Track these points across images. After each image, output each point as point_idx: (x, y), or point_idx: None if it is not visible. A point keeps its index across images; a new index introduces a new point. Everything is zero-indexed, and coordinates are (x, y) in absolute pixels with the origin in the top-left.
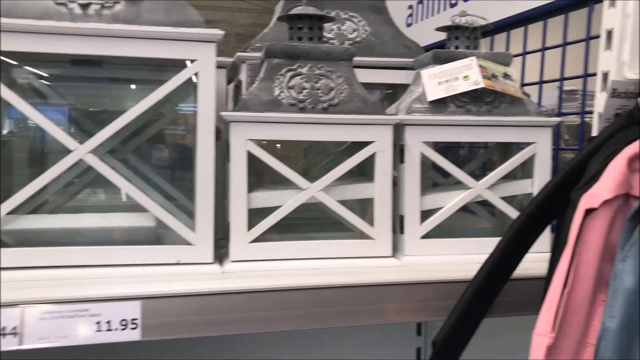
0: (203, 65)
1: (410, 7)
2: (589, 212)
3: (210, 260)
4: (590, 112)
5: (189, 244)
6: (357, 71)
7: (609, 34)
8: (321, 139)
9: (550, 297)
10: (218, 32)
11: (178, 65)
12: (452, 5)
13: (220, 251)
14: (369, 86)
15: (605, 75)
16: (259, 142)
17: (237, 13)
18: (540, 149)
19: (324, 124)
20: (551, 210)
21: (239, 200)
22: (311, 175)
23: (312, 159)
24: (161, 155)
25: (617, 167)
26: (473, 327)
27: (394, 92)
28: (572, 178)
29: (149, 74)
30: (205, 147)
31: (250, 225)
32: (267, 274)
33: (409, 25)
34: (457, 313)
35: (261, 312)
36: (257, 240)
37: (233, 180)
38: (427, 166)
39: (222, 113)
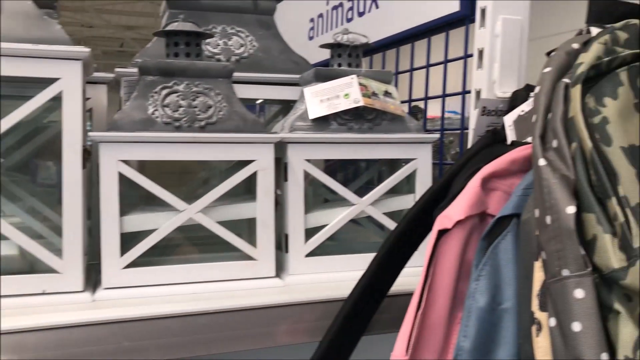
0: (67, 84)
1: (312, 20)
2: (442, 232)
3: (79, 289)
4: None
5: (56, 271)
6: (245, 87)
7: (480, 53)
8: (198, 158)
9: (406, 318)
10: (83, 50)
11: (47, 82)
12: (349, 20)
13: (97, 277)
14: (254, 102)
15: (479, 93)
16: (134, 162)
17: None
18: (421, 164)
19: (202, 143)
20: (421, 227)
21: (110, 224)
22: (198, 193)
23: (200, 176)
24: (36, 175)
25: (471, 187)
26: (350, 346)
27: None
28: (438, 196)
29: (19, 90)
30: (72, 168)
31: (126, 250)
32: (140, 301)
33: (310, 38)
34: (332, 332)
35: (129, 342)
36: (132, 265)
37: (104, 203)
38: (318, 183)
39: (90, 133)
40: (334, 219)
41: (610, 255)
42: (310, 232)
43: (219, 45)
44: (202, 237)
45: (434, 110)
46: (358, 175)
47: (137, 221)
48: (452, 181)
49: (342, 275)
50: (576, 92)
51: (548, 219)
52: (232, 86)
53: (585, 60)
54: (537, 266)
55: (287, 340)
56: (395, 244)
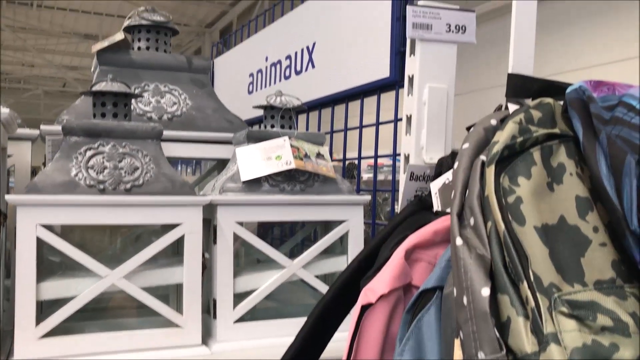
0: None
1: (251, 75)
2: (366, 307)
3: None
4: None
5: None
6: (178, 146)
7: (409, 119)
8: (124, 222)
9: None
10: (3, 111)
11: None
12: (287, 77)
13: (11, 346)
14: (189, 161)
15: (407, 158)
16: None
17: None
18: (353, 225)
19: (127, 205)
20: (348, 296)
21: (26, 291)
22: (125, 255)
23: (129, 235)
24: None
25: (395, 259)
26: None
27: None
28: (366, 264)
29: None
30: None
31: (44, 317)
32: None
33: (250, 92)
34: None
35: None
36: (49, 334)
37: (19, 269)
38: (249, 245)
39: (6, 196)
40: (264, 282)
41: (524, 339)
42: (240, 297)
43: (150, 103)
44: (127, 301)
45: (369, 161)
46: (293, 233)
47: (56, 288)
48: (379, 249)
49: (273, 341)
50: (490, 172)
51: (464, 300)
52: (160, 147)
53: (500, 139)
54: (457, 344)
55: None
56: (323, 314)
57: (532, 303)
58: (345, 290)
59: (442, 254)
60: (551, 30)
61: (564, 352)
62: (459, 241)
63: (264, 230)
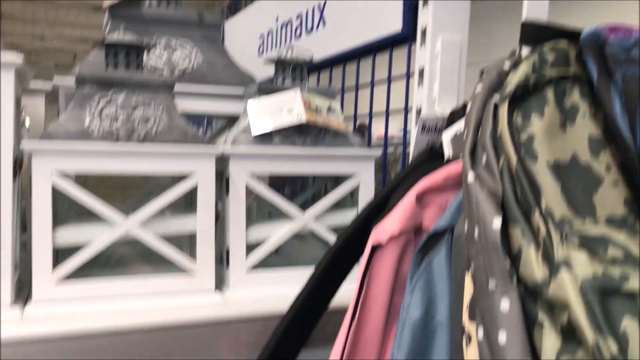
0: None
1: (262, 36)
2: (376, 247)
3: (8, 303)
4: None
5: None
6: (189, 101)
7: (421, 72)
8: (137, 171)
9: (341, 331)
10: (17, 57)
11: None
12: (297, 37)
13: (29, 291)
14: (200, 116)
15: (419, 111)
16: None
17: None
18: (363, 179)
19: (141, 154)
20: (360, 243)
21: (42, 237)
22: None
23: (142, 191)
24: None
25: (406, 201)
26: None
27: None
28: (376, 211)
29: None
30: (2, 179)
31: (58, 265)
32: (73, 316)
33: (260, 54)
34: (270, 348)
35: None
36: (65, 279)
37: (35, 215)
38: (261, 198)
39: (23, 142)
40: (276, 234)
41: (534, 268)
42: (252, 247)
43: (161, 58)
44: (141, 252)
45: (380, 128)
46: (303, 190)
47: (72, 235)
48: (390, 197)
49: (285, 290)
50: (503, 109)
51: (476, 233)
52: (173, 99)
53: (514, 79)
54: (467, 279)
55: (226, 355)
56: (334, 259)
57: (543, 232)
58: (355, 237)
59: (453, 198)
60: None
61: (575, 279)
62: (470, 177)
63: (276, 188)
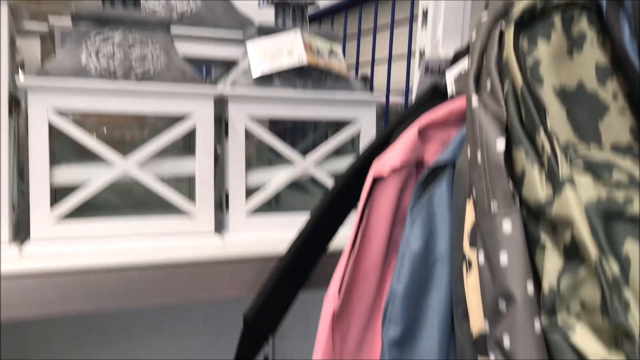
0: None
1: None
2: (378, 179)
3: (6, 241)
4: None
5: None
6: (187, 45)
7: (425, 14)
8: (134, 111)
9: (340, 261)
10: None
11: None
12: None
13: (27, 233)
14: (199, 63)
15: (422, 53)
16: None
17: None
18: (365, 125)
19: (138, 93)
20: (361, 183)
21: (40, 175)
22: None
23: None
24: None
25: (408, 135)
26: (287, 302)
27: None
28: (378, 151)
29: None
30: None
31: (56, 204)
32: (71, 254)
33: (260, 6)
34: (268, 288)
35: (57, 294)
36: (63, 218)
37: (32, 154)
38: (261, 145)
39: (19, 78)
40: (277, 178)
41: (538, 188)
42: (252, 192)
43: (159, 1)
44: (141, 201)
45: (383, 77)
46: (303, 138)
47: (69, 174)
48: (392, 136)
49: (285, 234)
50: (509, 33)
51: (479, 157)
52: (170, 39)
53: (520, 5)
54: (469, 206)
55: (226, 294)
56: (335, 199)
57: (548, 150)
58: (357, 176)
59: (455, 134)
60: None
61: (579, 198)
62: (474, 102)
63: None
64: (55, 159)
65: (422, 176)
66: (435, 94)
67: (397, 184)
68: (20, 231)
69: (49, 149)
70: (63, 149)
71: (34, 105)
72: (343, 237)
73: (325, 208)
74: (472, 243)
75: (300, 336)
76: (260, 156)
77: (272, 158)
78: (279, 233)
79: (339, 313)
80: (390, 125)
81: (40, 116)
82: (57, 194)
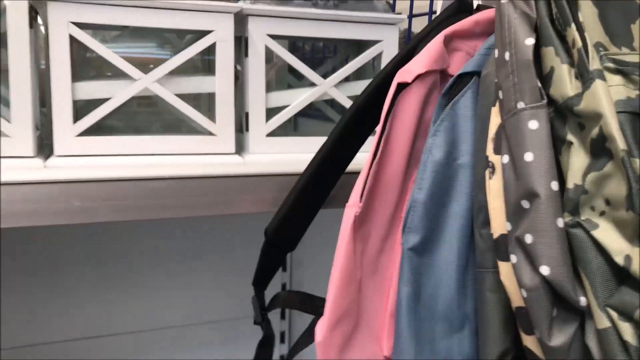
0: None
1: None
2: (402, 87)
3: (30, 154)
4: None
5: (6, 136)
6: None
7: None
8: (151, 25)
9: (362, 170)
10: None
11: None
12: None
13: (50, 150)
14: None
15: None
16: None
17: None
18: (387, 47)
19: (156, 8)
20: (383, 98)
21: (62, 90)
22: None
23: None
24: None
25: (433, 44)
26: (307, 218)
27: None
28: (401, 65)
29: None
30: (18, 31)
31: (79, 119)
32: (92, 167)
33: None
34: (289, 203)
35: (80, 202)
36: (85, 133)
37: (54, 68)
38: (283, 68)
39: None
40: (297, 99)
41: (567, 84)
42: (271, 113)
43: None
44: (159, 116)
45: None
46: (322, 63)
47: (91, 89)
48: (416, 50)
49: (305, 156)
50: None
51: (507, 55)
52: None
53: None
54: (494, 112)
55: (245, 209)
56: (356, 115)
57: (579, 44)
58: (380, 90)
59: (481, 44)
60: None
61: (609, 89)
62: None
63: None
64: (77, 73)
65: (446, 86)
66: (461, 9)
67: (422, 92)
68: (43, 149)
69: (70, 63)
70: (83, 64)
71: (54, 17)
72: (362, 156)
73: (347, 123)
74: (497, 149)
75: (316, 265)
76: (279, 81)
77: (292, 83)
78: (299, 155)
79: (359, 220)
80: (414, 40)
81: (61, 29)
82: (79, 113)
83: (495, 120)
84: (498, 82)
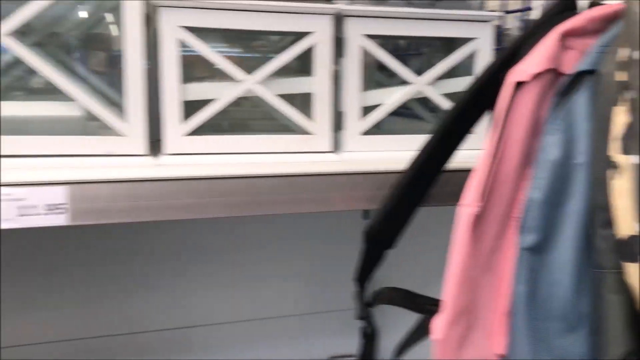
0: None
1: None
2: (518, 85)
3: (143, 152)
4: None
5: (119, 135)
6: None
7: None
8: (257, 27)
9: (478, 170)
10: None
11: None
12: None
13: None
14: None
15: None
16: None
17: None
18: (481, 45)
19: (260, 11)
20: (486, 96)
21: (171, 91)
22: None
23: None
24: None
25: (548, 42)
26: (407, 216)
27: None
28: (506, 64)
29: None
30: (133, 32)
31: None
32: (200, 165)
33: None
34: (390, 202)
35: (190, 199)
36: (193, 133)
37: (164, 71)
38: (372, 66)
39: None
40: (391, 98)
41: None
42: (366, 111)
43: None
44: (259, 116)
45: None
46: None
47: (198, 89)
48: (521, 48)
49: (400, 154)
50: None
51: (636, 54)
52: None
53: None
54: (619, 111)
55: (344, 206)
56: (460, 113)
57: None
58: (485, 88)
59: (594, 43)
60: None
61: None
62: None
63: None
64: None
65: (561, 85)
66: (566, 7)
67: (537, 91)
68: (154, 147)
69: (180, 66)
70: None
71: (166, 22)
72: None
73: (450, 121)
74: (625, 148)
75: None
76: (370, 78)
77: (381, 80)
78: (394, 153)
79: (476, 219)
80: (519, 39)
81: (172, 34)
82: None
83: (621, 119)
84: (627, 81)
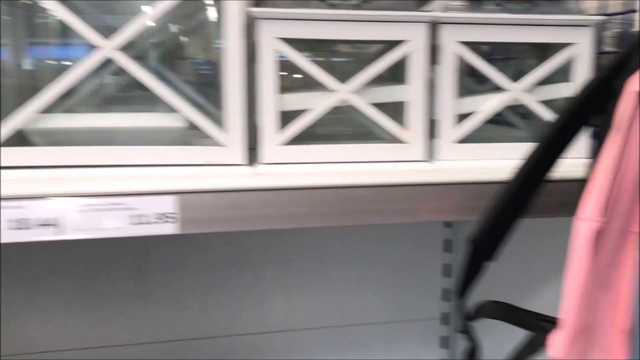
0: None
1: None
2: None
3: (242, 162)
4: None
5: (219, 145)
6: None
7: None
8: (352, 37)
9: (597, 182)
10: None
11: None
12: None
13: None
14: None
15: None
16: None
17: None
18: (581, 50)
19: (356, 21)
20: (593, 105)
21: (269, 101)
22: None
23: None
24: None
25: None
26: (510, 226)
27: None
28: (617, 72)
29: None
30: (233, 44)
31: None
32: (297, 174)
33: None
34: (495, 211)
35: (290, 209)
36: (289, 143)
37: (262, 81)
38: (463, 73)
39: (249, 9)
40: (486, 105)
41: None
42: (460, 119)
43: None
44: (352, 125)
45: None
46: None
47: (295, 99)
48: (631, 56)
49: (490, 163)
50: None
51: None
52: None
53: None
54: None
55: (434, 216)
56: (568, 121)
57: None
58: (591, 98)
59: None
60: None
61: None
62: None
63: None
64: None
65: None
66: None
67: None
68: (251, 156)
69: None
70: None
71: (264, 34)
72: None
73: (558, 130)
74: None
75: None
76: (461, 86)
77: (472, 87)
78: (488, 162)
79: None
80: (630, 45)
81: (269, 45)
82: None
83: None
84: None
